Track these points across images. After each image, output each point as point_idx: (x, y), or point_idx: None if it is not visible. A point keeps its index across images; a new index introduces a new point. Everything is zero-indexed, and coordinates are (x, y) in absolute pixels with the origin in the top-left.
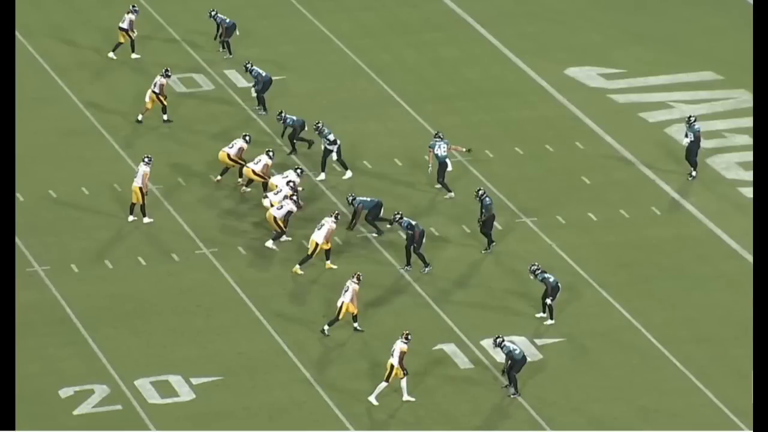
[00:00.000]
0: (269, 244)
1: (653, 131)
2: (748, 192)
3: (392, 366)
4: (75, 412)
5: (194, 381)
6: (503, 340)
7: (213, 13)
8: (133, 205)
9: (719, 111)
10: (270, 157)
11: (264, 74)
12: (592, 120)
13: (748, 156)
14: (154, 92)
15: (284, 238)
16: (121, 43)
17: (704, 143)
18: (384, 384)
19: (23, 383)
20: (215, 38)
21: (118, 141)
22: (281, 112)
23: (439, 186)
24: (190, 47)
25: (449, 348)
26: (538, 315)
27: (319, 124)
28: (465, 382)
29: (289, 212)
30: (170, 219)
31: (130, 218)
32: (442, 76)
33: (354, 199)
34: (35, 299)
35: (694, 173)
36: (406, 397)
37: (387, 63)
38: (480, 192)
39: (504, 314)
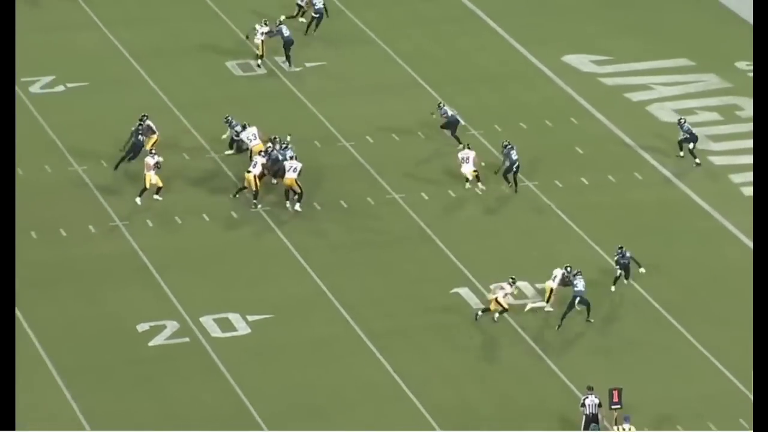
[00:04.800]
0: (297, 207)
1: (636, 109)
2: (717, 160)
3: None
4: (150, 344)
5: (250, 318)
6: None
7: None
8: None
9: (692, 92)
10: (262, 156)
11: (287, 34)
12: (585, 100)
13: (716, 130)
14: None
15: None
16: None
17: (677, 118)
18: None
19: (107, 321)
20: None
21: (186, 117)
22: (228, 116)
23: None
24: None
25: (463, 291)
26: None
27: (229, 117)
28: (475, 323)
29: (262, 172)
30: (231, 183)
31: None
32: (457, 62)
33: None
34: (116, 250)
35: (697, 161)
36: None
37: (409, 51)
38: (506, 144)
39: (510, 262)
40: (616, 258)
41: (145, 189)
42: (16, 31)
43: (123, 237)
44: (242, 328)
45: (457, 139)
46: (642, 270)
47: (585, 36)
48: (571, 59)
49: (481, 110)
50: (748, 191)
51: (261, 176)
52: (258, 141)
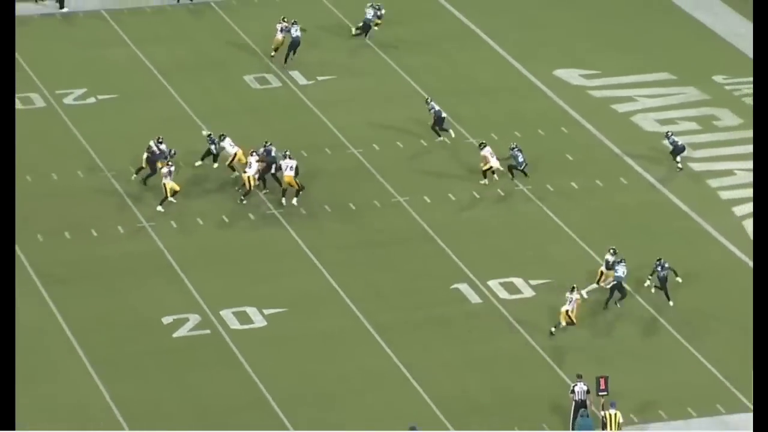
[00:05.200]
0: (294, 201)
1: (621, 119)
2: (696, 166)
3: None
4: (174, 335)
5: (266, 311)
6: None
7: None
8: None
9: (673, 103)
10: (252, 155)
11: (295, 35)
12: (574, 111)
13: (695, 138)
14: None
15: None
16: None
17: (659, 128)
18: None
19: (134, 314)
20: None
21: (209, 127)
22: (209, 134)
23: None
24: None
25: (463, 287)
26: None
27: (210, 135)
28: (475, 315)
29: (266, 168)
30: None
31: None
32: (458, 76)
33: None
34: (143, 249)
35: (679, 166)
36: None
37: (414, 65)
38: (513, 146)
39: (506, 260)
40: (653, 269)
41: (166, 198)
42: (52, 48)
43: (149, 237)
44: (259, 321)
45: (437, 132)
46: (679, 279)
47: (574, 52)
48: (561, 73)
49: (480, 120)
50: (725, 195)
51: (261, 177)
52: (237, 147)
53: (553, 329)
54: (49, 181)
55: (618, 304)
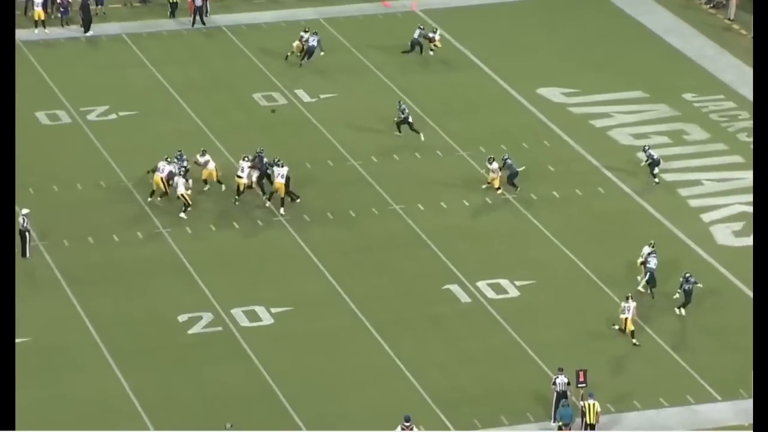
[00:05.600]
0: (281, 210)
1: (598, 134)
2: (667, 177)
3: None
4: (189, 332)
5: (273, 310)
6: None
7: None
8: (153, 192)
9: (646, 119)
10: (244, 159)
11: (311, 43)
12: (556, 125)
13: (666, 151)
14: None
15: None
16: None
17: (634, 141)
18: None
19: (152, 312)
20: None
21: (219, 141)
22: (179, 151)
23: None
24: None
25: (454, 287)
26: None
27: (180, 152)
28: (465, 314)
29: (260, 176)
30: (256, 195)
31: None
32: (449, 95)
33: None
34: (160, 253)
35: (656, 180)
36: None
37: (408, 85)
38: (505, 157)
39: (493, 263)
40: (680, 283)
41: (188, 205)
42: (77, 69)
43: (166, 242)
44: (267, 319)
45: (399, 127)
46: (700, 285)
47: (556, 73)
48: (544, 92)
49: (469, 134)
50: (694, 203)
51: (258, 183)
52: (212, 162)
53: (634, 341)
54: (74, 190)
55: (651, 293)
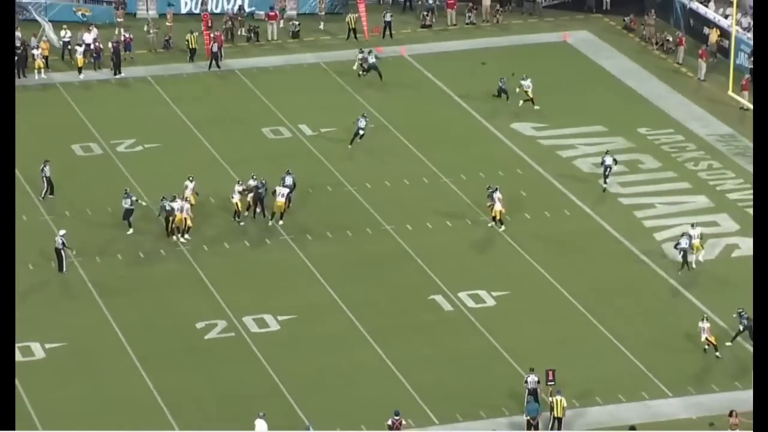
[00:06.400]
0: (280, 222)
1: (564, 163)
2: (625, 200)
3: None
4: (206, 337)
5: (280, 318)
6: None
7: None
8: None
9: (605, 150)
10: (238, 184)
11: (371, 61)
12: (527, 156)
13: (623, 178)
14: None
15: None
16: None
17: (595, 169)
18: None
19: (174, 319)
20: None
21: (233, 169)
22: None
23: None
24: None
25: (438, 298)
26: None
27: (126, 190)
28: (448, 321)
29: (254, 199)
30: (267, 220)
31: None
32: (434, 129)
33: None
34: (181, 267)
35: (605, 186)
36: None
37: (399, 121)
38: (489, 187)
39: (472, 277)
40: (735, 318)
41: (189, 228)
42: (108, 106)
43: (185, 257)
44: (274, 326)
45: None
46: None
47: (527, 110)
48: (517, 126)
49: (451, 164)
50: (648, 223)
51: (256, 205)
52: (188, 191)
53: (717, 353)
54: (105, 213)
55: (680, 272)
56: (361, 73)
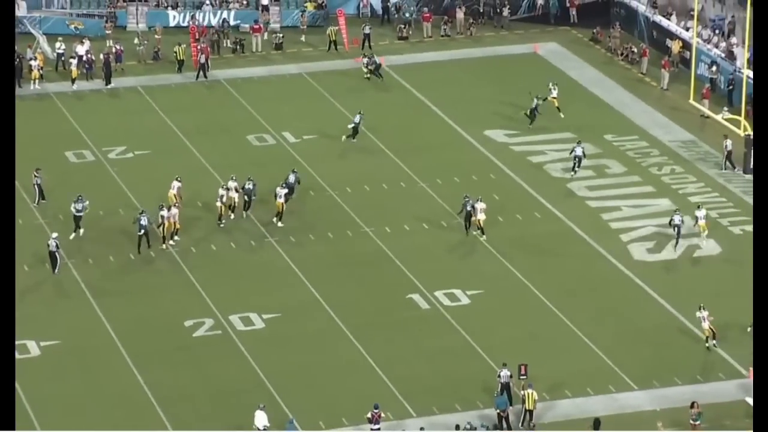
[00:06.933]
0: (279, 223)
1: (535, 168)
2: (592, 203)
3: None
4: (194, 335)
5: (264, 316)
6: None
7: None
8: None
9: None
10: (224, 189)
11: (373, 60)
12: (500, 161)
13: (590, 182)
14: None
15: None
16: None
17: (564, 174)
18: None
19: (164, 318)
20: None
21: (219, 175)
22: (143, 212)
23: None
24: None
25: (415, 296)
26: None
27: (80, 196)
28: (425, 318)
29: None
30: (252, 222)
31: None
32: (411, 135)
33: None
34: (170, 268)
35: (573, 174)
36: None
37: (377, 126)
38: (465, 197)
39: (449, 274)
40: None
41: (177, 230)
42: (100, 115)
43: (174, 259)
44: (259, 324)
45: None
46: (749, 329)
47: (499, 117)
48: (490, 133)
49: (427, 168)
50: (614, 225)
51: (230, 207)
52: (174, 189)
53: (708, 344)
54: (97, 216)
55: (675, 248)
56: (367, 74)
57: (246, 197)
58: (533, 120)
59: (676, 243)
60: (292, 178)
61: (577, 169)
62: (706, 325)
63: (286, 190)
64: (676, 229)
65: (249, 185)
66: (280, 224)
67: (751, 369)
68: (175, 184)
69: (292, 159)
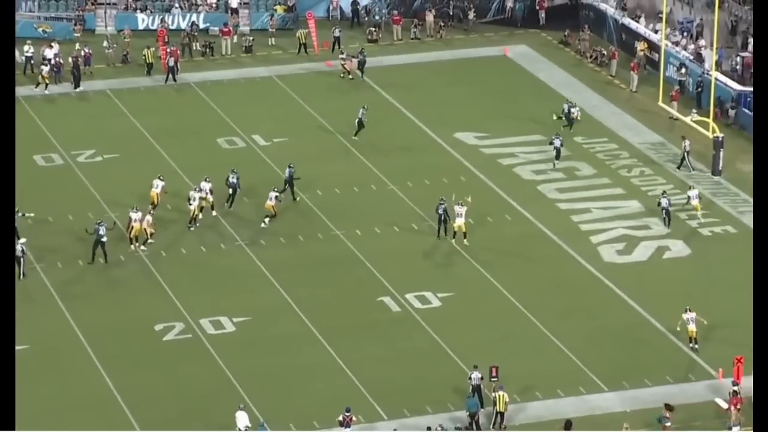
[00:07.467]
0: (265, 223)
1: (505, 170)
2: (562, 206)
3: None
4: (164, 339)
5: (235, 320)
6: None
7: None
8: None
9: (543, 158)
10: (195, 191)
11: (360, 58)
12: (470, 164)
13: (560, 184)
14: None
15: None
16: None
17: (534, 176)
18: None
19: (133, 322)
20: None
21: (188, 178)
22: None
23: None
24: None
25: (386, 299)
26: None
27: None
28: (396, 321)
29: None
30: (222, 226)
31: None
32: (381, 138)
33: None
34: (139, 272)
35: (555, 164)
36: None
37: (347, 129)
38: (441, 200)
39: (419, 277)
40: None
41: (150, 236)
42: (69, 118)
43: (143, 262)
44: (229, 327)
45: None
46: (705, 322)
47: (470, 120)
48: (460, 135)
49: (397, 171)
50: (584, 227)
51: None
52: (158, 189)
53: (692, 345)
54: (66, 220)
55: (667, 228)
56: (343, 73)
57: (230, 190)
58: (571, 125)
59: (669, 223)
60: (287, 174)
61: (556, 161)
62: (693, 326)
63: (275, 194)
64: (664, 211)
65: (233, 178)
66: (263, 226)
67: (721, 370)
68: (158, 183)
69: (261, 162)
